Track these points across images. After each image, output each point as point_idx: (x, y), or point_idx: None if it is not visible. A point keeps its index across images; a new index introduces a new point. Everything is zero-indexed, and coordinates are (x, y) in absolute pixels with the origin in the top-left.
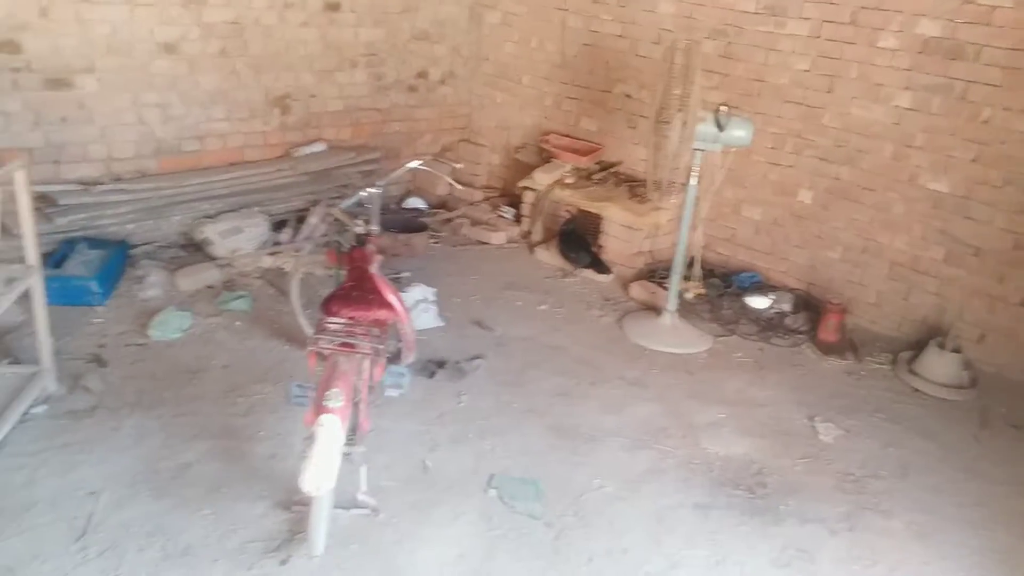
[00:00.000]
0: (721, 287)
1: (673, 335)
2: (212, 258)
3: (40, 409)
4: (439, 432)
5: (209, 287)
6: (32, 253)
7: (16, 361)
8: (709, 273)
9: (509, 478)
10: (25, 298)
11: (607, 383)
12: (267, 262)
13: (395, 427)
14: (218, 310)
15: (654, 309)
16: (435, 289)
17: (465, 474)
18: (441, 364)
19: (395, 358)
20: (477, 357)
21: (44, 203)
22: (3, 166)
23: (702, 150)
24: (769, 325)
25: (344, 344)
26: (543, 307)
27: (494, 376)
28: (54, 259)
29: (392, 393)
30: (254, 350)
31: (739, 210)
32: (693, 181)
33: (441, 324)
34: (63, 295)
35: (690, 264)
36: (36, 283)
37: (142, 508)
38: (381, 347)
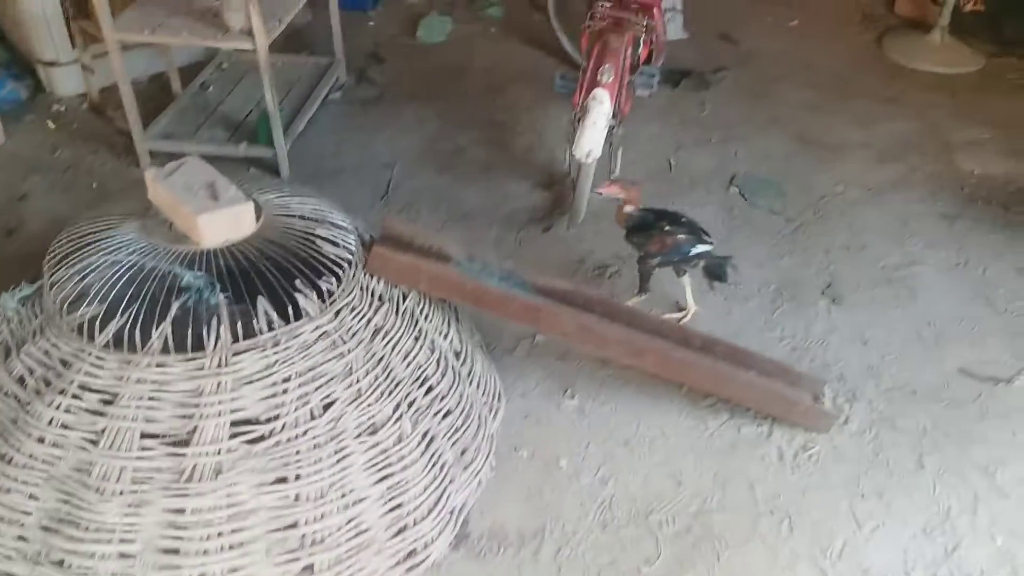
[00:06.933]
0: (1005, 1)
1: (940, 53)
2: None
3: (336, 95)
4: (683, 135)
5: None
6: None
7: (312, 53)
8: None
9: (751, 178)
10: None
11: (858, 99)
12: None
13: (642, 129)
14: (475, 16)
15: (921, 26)
16: None
17: (708, 173)
18: (685, 74)
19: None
20: (722, 69)
21: None
22: None
23: None
24: None
25: (615, 22)
26: (794, 23)
27: (739, 87)
28: None
29: (643, 93)
30: (508, 55)
31: None
32: None
33: (685, 36)
34: None
35: None
36: None
37: (428, 179)
38: (652, 23)
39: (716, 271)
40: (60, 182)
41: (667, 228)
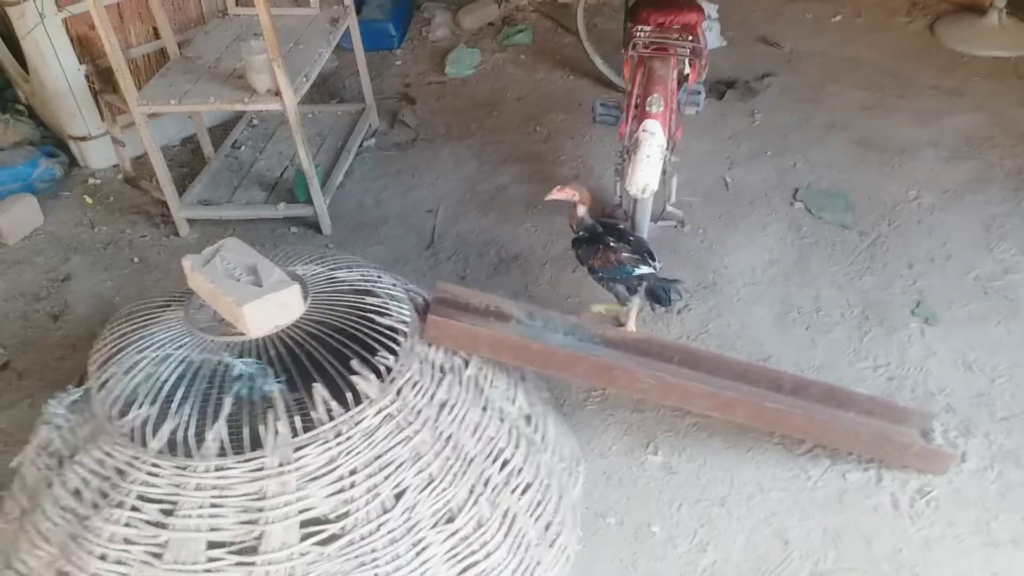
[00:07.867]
0: None
1: (1000, 36)
2: None
3: (371, 142)
4: (735, 150)
5: (490, 24)
6: None
7: (342, 100)
8: None
9: (815, 191)
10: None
11: (918, 94)
12: None
13: (690, 146)
14: (502, 46)
15: (975, 9)
16: (717, 5)
17: (768, 189)
18: (730, 84)
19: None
20: (767, 75)
21: None
22: None
23: None
24: None
25: (658, 48)
26: (836, 18)
27: (788, 93)
28: None
29: (690, 111)
30: (542, 81)
31: None
32: None
33: (723, 44)
34: (364, 39)
35: None
36: (353, 23)
37: (473, 222)
38: (699, 46)
39: (658, 294)
40: (101, 260)
41: (612, 244)
